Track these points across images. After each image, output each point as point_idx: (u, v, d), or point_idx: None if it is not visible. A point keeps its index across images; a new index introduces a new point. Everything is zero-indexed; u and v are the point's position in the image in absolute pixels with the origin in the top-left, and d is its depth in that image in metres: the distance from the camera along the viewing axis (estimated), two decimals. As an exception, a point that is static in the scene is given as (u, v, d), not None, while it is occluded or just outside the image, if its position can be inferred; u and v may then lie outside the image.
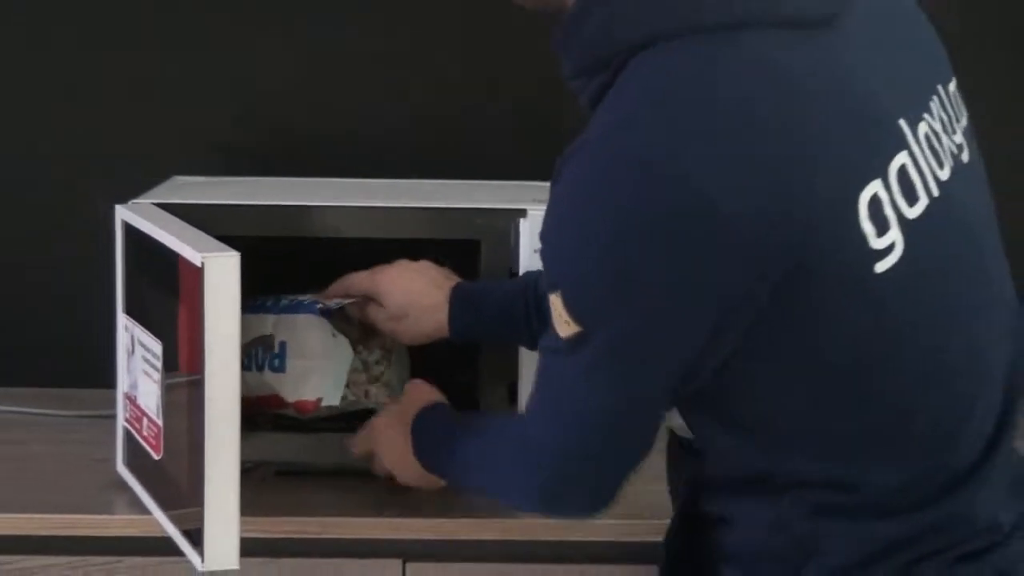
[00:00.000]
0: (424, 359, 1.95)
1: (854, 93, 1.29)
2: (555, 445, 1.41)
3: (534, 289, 1.72)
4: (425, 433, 1.68)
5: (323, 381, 1.82)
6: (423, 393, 1.74)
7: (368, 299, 1.81)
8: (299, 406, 1.81)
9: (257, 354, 1.83)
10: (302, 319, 1.83)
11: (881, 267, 1.27)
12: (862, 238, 1.26)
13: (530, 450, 1.45)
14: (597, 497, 1.45)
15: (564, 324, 1.33)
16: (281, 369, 1.82)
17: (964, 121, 1.43)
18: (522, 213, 1.80)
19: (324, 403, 1.81)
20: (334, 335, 1.82)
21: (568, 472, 1.43)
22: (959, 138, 1.39)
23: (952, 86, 1.43)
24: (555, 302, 1.33)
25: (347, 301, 1.80)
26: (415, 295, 1.78)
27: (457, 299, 1.77)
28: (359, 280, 1.81)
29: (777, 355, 1.30)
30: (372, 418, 1.79)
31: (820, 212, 1.25)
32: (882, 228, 1.26)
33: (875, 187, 1.27)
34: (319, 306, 1.82)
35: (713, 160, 1.24)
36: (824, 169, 1.25)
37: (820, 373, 1.31)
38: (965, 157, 1.38)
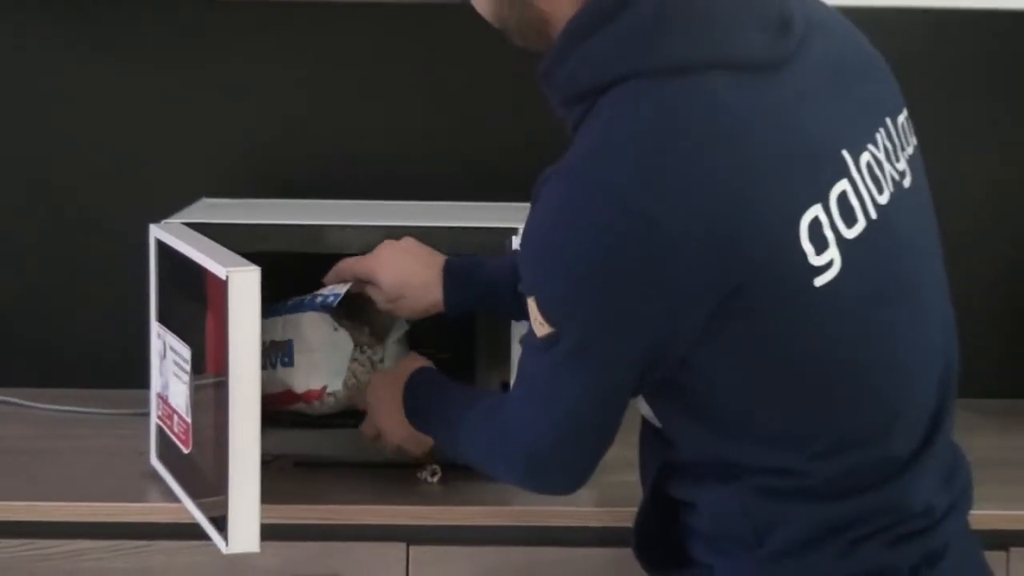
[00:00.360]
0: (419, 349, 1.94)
1: (796, 129, 1.31)
2: (534, 434, 1.44)
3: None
4: (417, 395, 1.69)
5: (327, 370, 1.81)
6: (415, 360, 1.76)
7: (363, 283, 1.79)
8: (307, 396, 1.81)
9: (272, 355, 1.83)
10: (306, 317, 1.83)
11: (819, 281, 1.29)
12: (802, 256, 1.28)
13: (512, 438, 1.48)
14: (572, 477, 1.47)
15: (539, 325, 1.36)
16: (290, 364, 1.82)
17: (910, 150, 1.44)
18: (514, 231, 1.80)
19: (328, 389, 1.81)
20: (335, 328, 1.82)
21: (546, 456, 1.45)
22: (903, 165, 1.41)
23: (901, 117, 1.45)
24: (531, 305, 1.36)
25: (343, 289, 1.77)
26: (408, 275, 1.76)
27: (449, 277, 1.75)
28: (352, 265, 1.79)
29: (728, 355, 1.32)
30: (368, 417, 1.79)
31: (763, 233, 1.27)
32: (821, 247, 1.29)
33: (815, 211, 1.29)
34: (319, 301, 1.80)
35: (665, 194, 1.26)
36: (765, 196, 1.27)
37: (767, 372, 1.33)
38: (907, 183, 1.40)
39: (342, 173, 2.22)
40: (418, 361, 1.76)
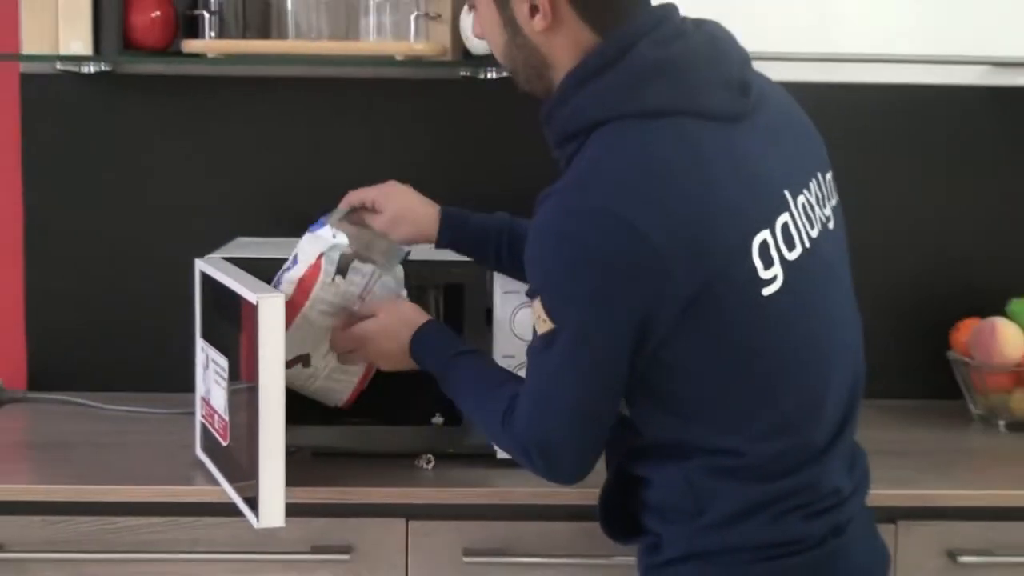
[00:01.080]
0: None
1: (750, 168, 1.35)
2: (541, 430, 1.41)
3: (508, 231, 1.71)
4: (428, 342, 1.61)
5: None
6: (419, 312, 1.67)
7: (366, 210, 1.73)
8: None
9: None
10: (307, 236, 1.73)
11: (767, 292, 1.33)
12: (753, 270, 1.32)
13: (522, 434, 1.43)
14: (579, 465, 1.43)
15: (543, 323, 1.36)
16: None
17: (833, 202, 1.47)
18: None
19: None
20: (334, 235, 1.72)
21: (554, 448, 1.41)
22: (828, 212, 1.44)
23: (828, 176, 1.47)
24: (536, 306, 1.36)
25: (346, 210, 1.72)
26: (410, 205, 1.72)
27: (446, 216, 1.71)
28: (361, 192, 1.73)
29: (689, 351, 1.34)
30: (362, 324, 1.66)
31: (723, 245, 1.31)
32: (768, 264, 1.33)
33: (764, 235, 1.33)
34: (325, 221, 1.73)
35: (646, 209, 1.29)
36: (725, 217, 1.31)
37: (723, 364, 1.34)
38: (831, 225, 1.43)
39: None
40: (420, 312, 1.67)
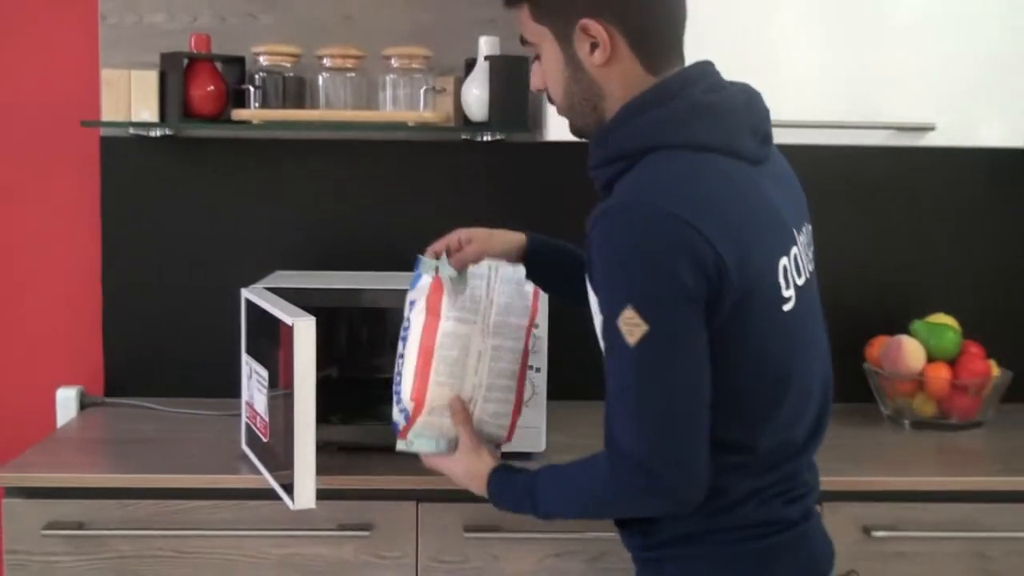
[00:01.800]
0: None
1: (770, 205, 1.33)
2: (645, 441, 1.24)
3: (576, 248, 1.56)
4: (503, 494, 1.43)
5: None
6: (482, 459, 1.47)
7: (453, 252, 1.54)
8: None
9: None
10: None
11: (786, 308, 1.30)
12: (778, 287, 1.29)
13: (622, 459, 1.26)
14: (690, 479, 1.25)
15: (634, 329, 1.22)
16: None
17: (812, 249, 1.44)
18: None
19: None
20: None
21: (659, 463, 1.24)
22: (811, 253, 1.42)
23: (810, 226, 1.45)
24: (625, 316, 1.22)
25: (434, 261, 1.49)
26: (496, 230, 1.57)
27: (532, 237, 1.58)
28: (442, 239, 1.55)
29: (724, 356, 1.26)
30: (442, 461, 1.51)
31: (759, 264, 1.27)
32: (787, 285, 1.31)
33: (784, 260, 1.31)
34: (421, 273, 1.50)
35: (707, 220, 1.23)
36: (759, 240, 1.28)
37: (751, 364, 1.28)
38: (811, 267, 1.41)
39: (372, 252, 2.18)
40: (488, 459, 1.47)
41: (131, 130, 2.09)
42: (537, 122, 2.04)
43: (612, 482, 1.28)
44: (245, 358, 1.81)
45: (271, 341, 1.65)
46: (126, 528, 1.72)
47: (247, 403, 1.81)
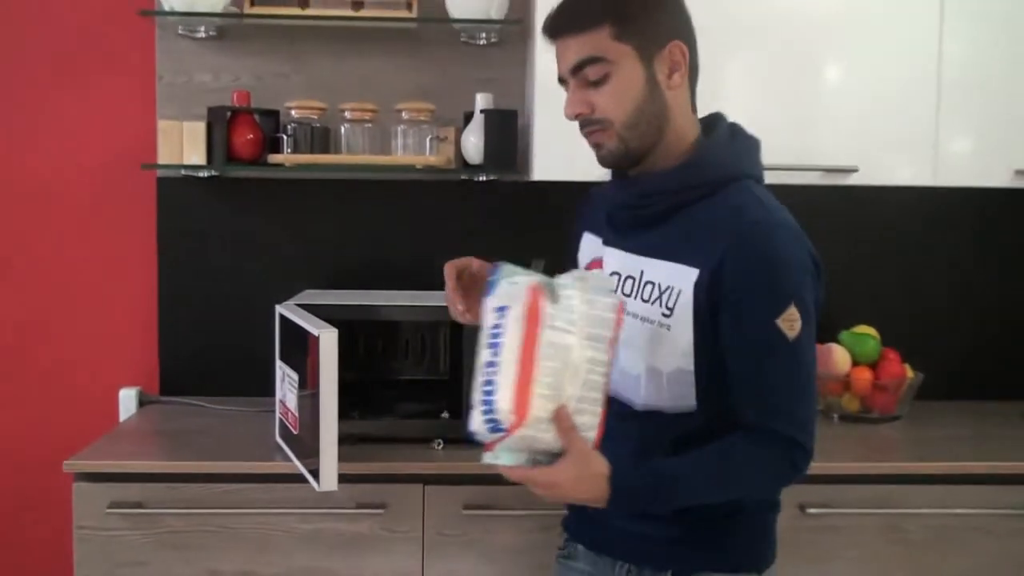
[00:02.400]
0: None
1: None
2: (812, 424, 1.19)
3: None
4: (629, 493, 1.18)
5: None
6: (600, 461, 1.18)
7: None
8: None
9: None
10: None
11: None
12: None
13: (800, 443, 1.18)
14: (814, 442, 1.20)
15: (792, 323, 1.17)
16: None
17: None
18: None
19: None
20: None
21: (814, 437, 1.19)
22: None
23: None
24: (787, 315, 1.16)
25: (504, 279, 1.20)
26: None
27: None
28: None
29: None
30: (548, 474, 1.16)
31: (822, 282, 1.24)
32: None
33: None
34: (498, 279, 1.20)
35: (809, 243, 1.22)
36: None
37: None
38: None
39: (386, 274, 2.17)
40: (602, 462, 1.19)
41: (183, 172, 2.09)
42: (524, 165, 2.05)
43: (789, 471, 1.19)
44: (279, 363, 1.81)
45: (301, 349, 1.64)
46: (177, 507, 1.72)
47: (280, 401, 1.81)
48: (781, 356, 1.17)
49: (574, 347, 1.15)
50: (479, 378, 1.15)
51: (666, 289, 1.23)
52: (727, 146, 1.26)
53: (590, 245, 1.38)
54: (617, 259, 1.29)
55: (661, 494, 1.18)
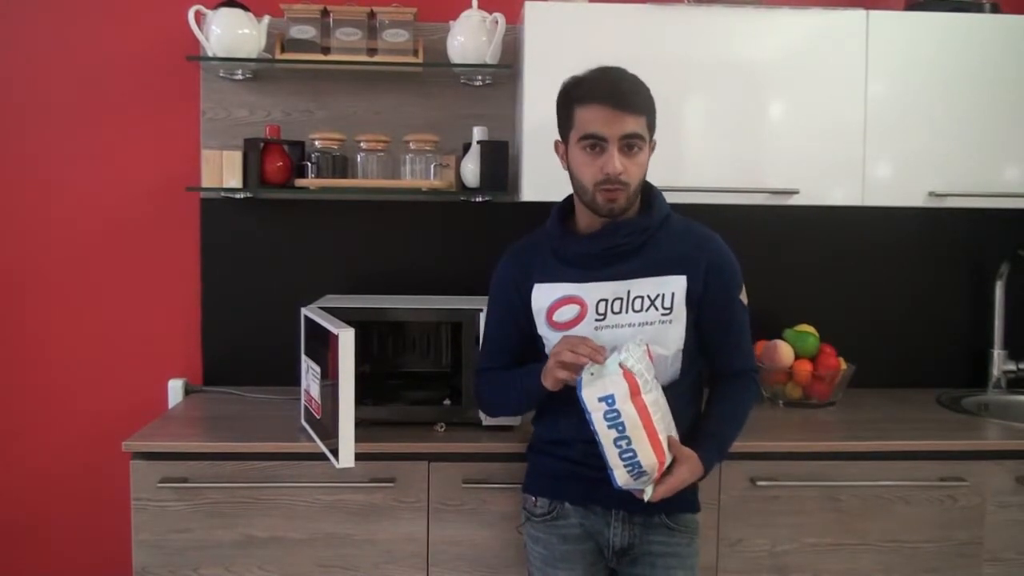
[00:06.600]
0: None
1: None
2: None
3: None
4: (715, 459, 1.42)
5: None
6: (694, 457, 1.39)
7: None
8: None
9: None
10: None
11: None
12: None
13: (757, 375, 1.49)
14: None
15: (744, 296, 1.45)
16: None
17: None
18: (480, 311, 1.75)
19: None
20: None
21: None
22: None
23: None
24: (743, 291, 1.46)
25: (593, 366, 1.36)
26: None
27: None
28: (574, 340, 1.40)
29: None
30: (679, 478, 1.37)
31: None
32: None
33: None
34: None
35: None
36: None
37: None
38: None
39: (395, 281, 2.16)
40: (695, 461, 1.40)
41: (222, 194, 2.08)
42: (514, 187, 2.05)
43: (758, 391, 1.48)
44: (303, 357, 1.80)
45: (323, 345, 1.64)
46: (217, 482, 1.72)
47: (305, 390, 1.79)
48: (744, 317, 1.45)
49: (655, 394, 1.35)
50: (614, 449, 1.33)
51: (656, 296, 1.40)
52: (658, 191, 1.46)
53: (546, 292, 1.45)
54: (601, 288, 1.41)
55: (723, 448, 1.43)
